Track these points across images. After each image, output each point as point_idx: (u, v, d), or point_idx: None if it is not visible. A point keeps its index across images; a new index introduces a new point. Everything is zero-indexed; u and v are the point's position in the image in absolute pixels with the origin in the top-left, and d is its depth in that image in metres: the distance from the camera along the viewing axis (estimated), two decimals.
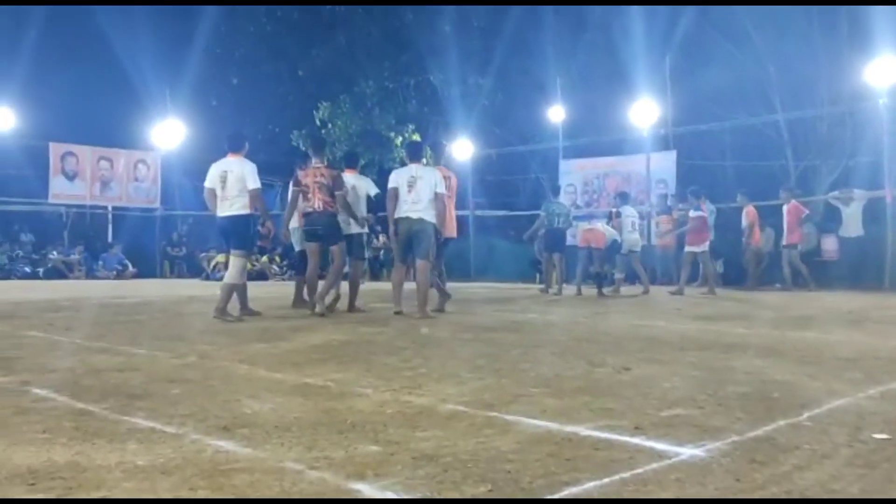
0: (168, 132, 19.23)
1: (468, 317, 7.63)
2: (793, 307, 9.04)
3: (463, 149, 18.70)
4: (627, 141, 16.75)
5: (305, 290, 8.12)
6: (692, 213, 11.85)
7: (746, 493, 2.03)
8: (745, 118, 16.40)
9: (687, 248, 11.79)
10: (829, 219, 14.43)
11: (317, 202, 7.59)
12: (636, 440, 2.55)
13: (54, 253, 17.78)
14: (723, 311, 8.33)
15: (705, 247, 11.69)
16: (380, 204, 8.73)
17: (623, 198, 12.43)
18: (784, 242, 13.06)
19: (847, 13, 14.89)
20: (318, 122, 19.25)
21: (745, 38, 16.29)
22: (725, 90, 16.53)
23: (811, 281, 12.49)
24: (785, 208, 13.11)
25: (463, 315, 7.75)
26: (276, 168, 21.28)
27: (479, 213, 19.13)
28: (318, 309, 7.29)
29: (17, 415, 2.94)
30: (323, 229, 7.63)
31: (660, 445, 2.48)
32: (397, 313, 7.25)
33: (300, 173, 7.92)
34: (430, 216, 7.32)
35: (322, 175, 7.62)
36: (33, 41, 19.37)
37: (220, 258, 17.53)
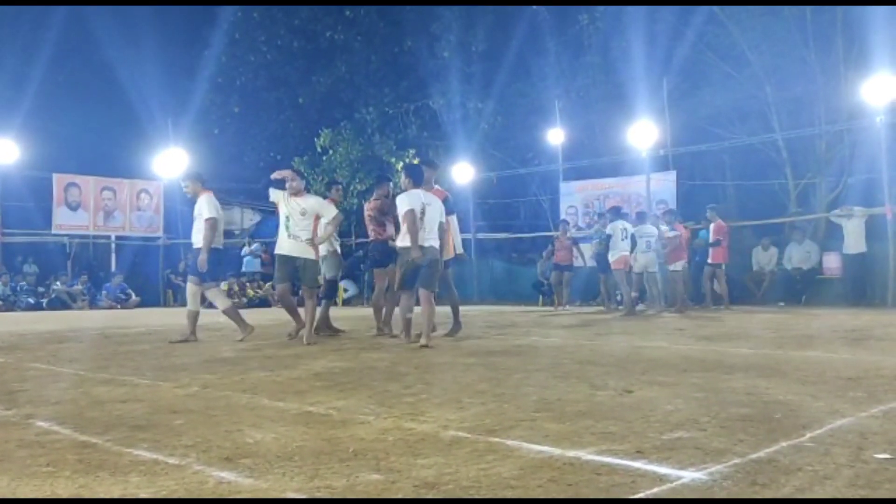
0: (170, 161, 19.36)
1: (469, 341, 7.63)
2: (795, 326, 9.03)
3: (463, 172, 18.81)
4: (627, 162, 16.86)
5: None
6: (671, 233, 12.06)
7: None
8: (743, 138, 16.50)
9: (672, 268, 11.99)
10: (831, 236, 14.46)
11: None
12: (638, 464, 2.55)
13: (58, 283, 17.83)
14: (725, 332, 8.32)
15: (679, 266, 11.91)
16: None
17: (640, 217, 12.38)
18: (710, 260, 13.00)
19: (843, 32, 15.03)
20: (318, 149, 19.39)
21: (741, 60, 16.45)
22: (724, 110, 16.67)
23: (726, 302, 12.79)
24: (712, 227, 13.10)
25: (464, 339, 7.75)
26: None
27: (480, 235, 19.19)
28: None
29: (21, 448, 2.95)
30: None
31: (662, 469, 2.48)
32: (424, 346, 6.71)
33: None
34: (438, 245, 7.34)
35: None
36: (37, 74, 19.61)
37: (224, 286, 17.58)
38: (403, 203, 7.18)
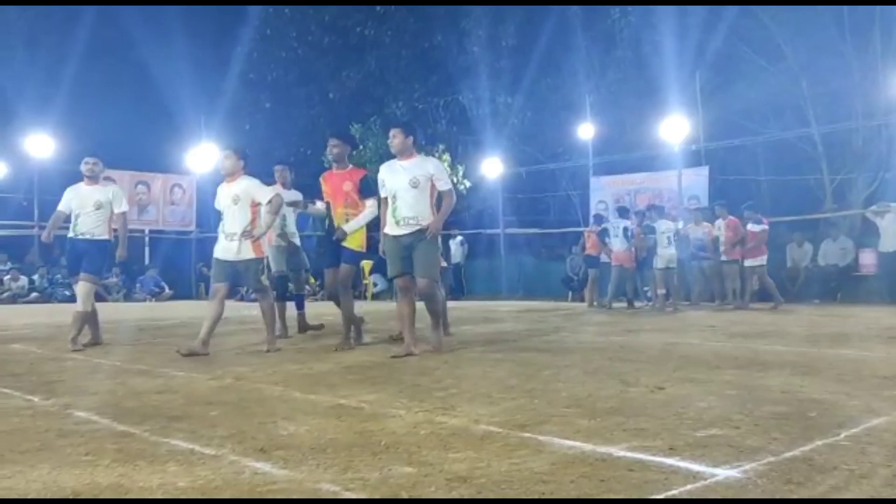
0: (203, 156, 19.60)
1: (498, 336, 7.62)
2: (830, 324, 8.89)
3: (493, 167, 18.78)
4: (658, 157, 16.70)
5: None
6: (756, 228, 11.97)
7: None
8: (778, 132, 16.25)
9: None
10: (867, 233, 14.20)
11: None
12: (671, 461, 2.54)
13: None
14: (758, 329, 8.21)
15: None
16: None
17: (658, 211, 12.33)
18: (724, 258, 12.58)
19: (881, 26, 14.74)
20: None
21: (776, 53, 16.20)
22: (758, 105, 16.44)
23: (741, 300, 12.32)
24: (723, 223, 12.66)
25: (493, 334, 7.75)
26: (307, 189, 21.54)
27: (509, 231, 19.17)
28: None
29: (61, 437, 3.02)
30: None
31: (695, 466, 2.47)
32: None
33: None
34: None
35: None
36: (72, 70, 19.94)
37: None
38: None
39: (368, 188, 6.26)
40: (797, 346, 6.34)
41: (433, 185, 5.79)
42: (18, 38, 21.00)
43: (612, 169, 17.74)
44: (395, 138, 5.99)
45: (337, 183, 6.40)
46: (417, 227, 5.68)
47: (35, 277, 17.37)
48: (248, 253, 6.15)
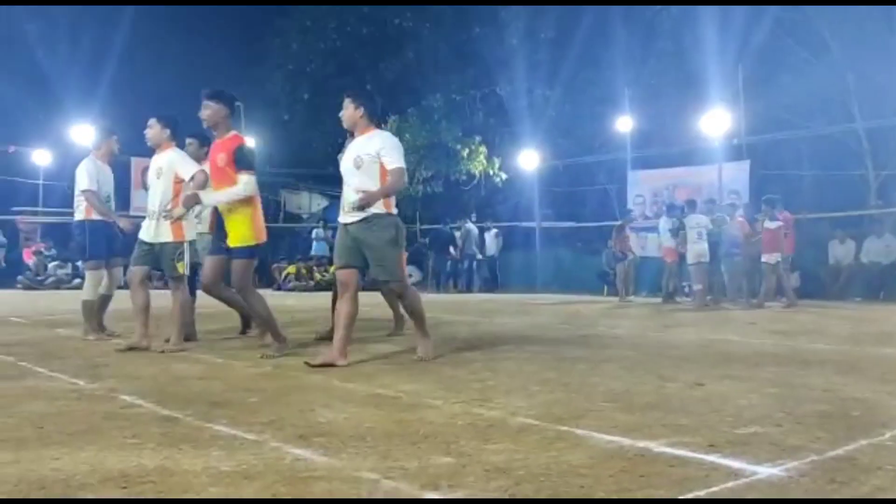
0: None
1: (535, 330, 7.61)
2: (873, 322, 8.71)
3: (529, 160, 18.71)
4: (698, 151, 16.45)
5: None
6: (768, 224, 11.56)
7: None
8: (822, 127, 15.93)
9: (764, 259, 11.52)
10: None
11: None
12: (711, 458, 2.52)
13: None
14: (799, 326, 8.08)
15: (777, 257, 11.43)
16: None
17: (691, 206, 12.25)
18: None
19: None
20: None
21: (821, 46, 15.86)
22: (801, 98, 16.10)
23: (794, 297, 11.77)
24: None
25: (529, 327, 7.74)
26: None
27: (545, 224, 19.08)
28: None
29: (107, 420, 3.09)
30: None
31: (736, 463, 2.45)
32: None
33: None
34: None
35: None
36: (113, 62, 20.30)
37: (291, 269, 17.93)
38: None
39: (243, 160, 5.17)
40: (839, 344, 6.23)
41: (382, 166, 4.82)
42: (64, 30, 21.41)
43: (651, 163, 17.54)
44: (345, 110, 5.04)
45: (213, 155, 5.33)
46: (364, 216, 4.79)
47: (78, 264, 17.74)
48: (166, 235, 5.48)
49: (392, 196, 4.91)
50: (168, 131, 5.67)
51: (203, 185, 5.31)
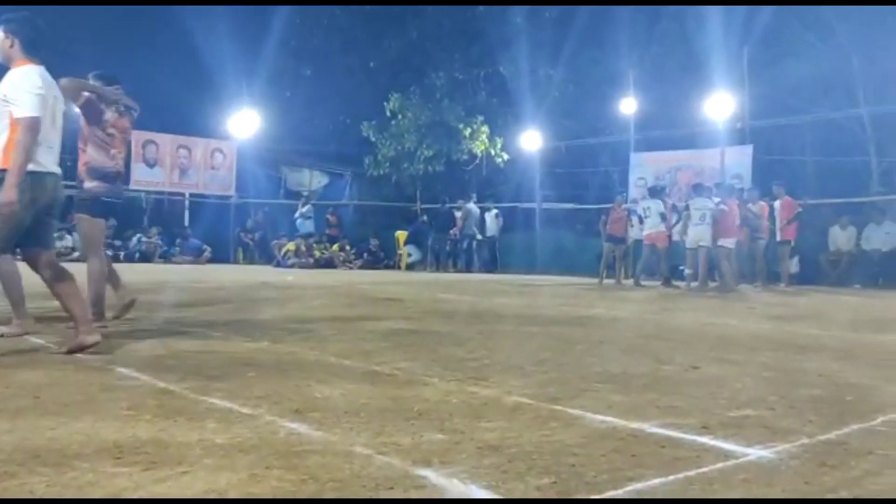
0: (244, 122, 19.74)
1: (533, 310, 7.63)
2: (871, 309, 8.73)
3: (531, 140, 18.65)
4: (701, 134, 16.40)
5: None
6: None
7: (815, 496, 2.00)
8: (826, 112, 15.85)
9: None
10: None
11: (120, 159, 5.63)
12: (703, 439, 2.53)
13: (142, 238, 18.41)
14: (797, 312, 8.10)
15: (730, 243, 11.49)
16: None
17: (697, 190, 12.20)
18: (778, 238, 12.72)
19: None
20: (388, 113, 19.46)
21: (827, 29, 15.74)
22: (806, 83, 16.03)
23: (786, 281, 12.44)
24: (778, 204, 12.77)
25: (527, 308, 7.76)
26: (347, 159, 21.65)
27: (546, 205, 19.06)
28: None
29: (104, 391, 3.10)
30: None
31: (727, 445, 2.46)
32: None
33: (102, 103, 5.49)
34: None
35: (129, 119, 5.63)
36: (115, 33, 20.14)
37: (291, 246, 17.93)
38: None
39: None
40: (836, 330, 6.25)
41: (12, 115, 3.91)
42: None
43: (654, 145, 17.49)
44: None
45: None
46: None
47: (76, 236, 17.72)
48: None
49: (23, 151, 3.87)
50: (11, 41, 4.13)
51: (34, 131, 3.95)
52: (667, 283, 12.37)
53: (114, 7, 20.20)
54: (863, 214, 14.50)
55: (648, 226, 12.53)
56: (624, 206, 13.66)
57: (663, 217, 12.32)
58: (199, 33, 19.64)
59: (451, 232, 17.69)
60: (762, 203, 12.75)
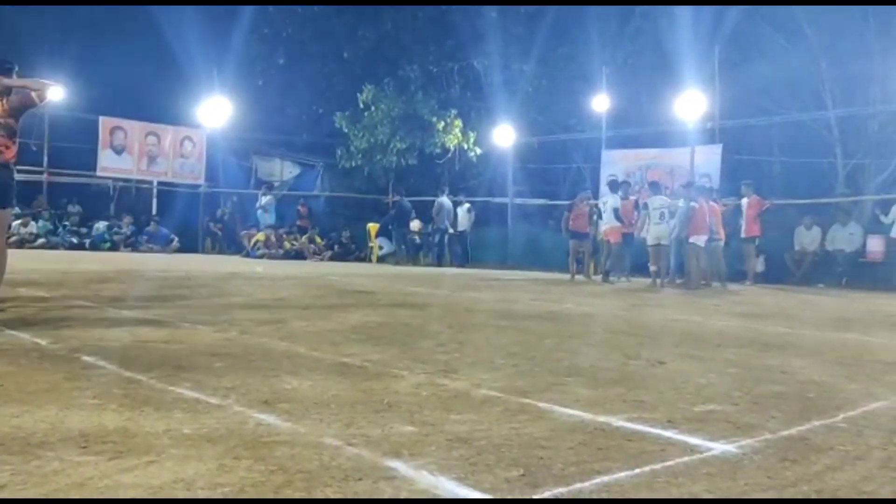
0: (214, 110, 19.49)
1: (504, 304, 7.66)
2: (834, 308, 8.91)
3: (505, 135, 18.68)
4: (672, 133, 16.55)
5: None
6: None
7: (777, 491, 2.05)
8: (794, 114, 16.09)
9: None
10: (878, 219, 14.13)
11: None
12: (668, 433, 2.57)
13: (113, 227, 18.15)
14: (763, 310, 8.24)
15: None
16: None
17: (654, 188, 12.40)
18: (743, 235, 13.04)
19: None
20: (361, 105, 19.36)
21: (797, 32, 15.97)
22: (775, 84, 16.26)
23: (752, 279, 12.82)
24: (745, 202, 13.08)
25: (498, 302, 7.79)
26: (319, 148, 21.51)
27: (518, 200, 19.13)
28: None
29: (69, 381, 3.06)
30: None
31: (692, 440, 2.50)
32: None
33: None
34: None
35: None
36: (85, 17, 19.78)
37: (260, 236, 17.78)
38: None
39: None
40: (800, 328, 6.36)
41: None
42: None
43: (625, 143, 17.61)
44: None
45: None
46: None
47: (41, 223, 17.42)
48: None
49: None
50: None
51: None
52: (605, 277, 12.46)
53: None
54: (828, 215, 14.76)
55: (604, 220, 12.72)
56: (587, 202, 13.75)
57: (616, 212, 12.39)
58: (169, 19, 19.38)
59: (411, 225, 17.77)
60: (713, 204, 12.90)
